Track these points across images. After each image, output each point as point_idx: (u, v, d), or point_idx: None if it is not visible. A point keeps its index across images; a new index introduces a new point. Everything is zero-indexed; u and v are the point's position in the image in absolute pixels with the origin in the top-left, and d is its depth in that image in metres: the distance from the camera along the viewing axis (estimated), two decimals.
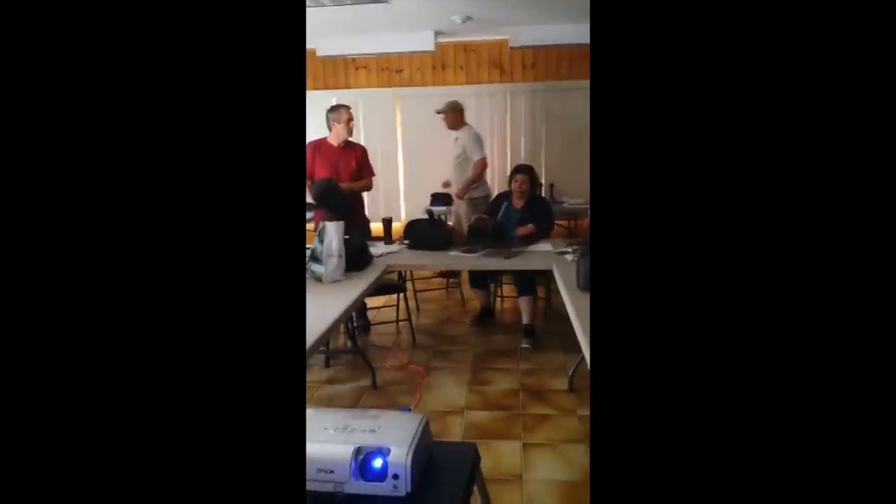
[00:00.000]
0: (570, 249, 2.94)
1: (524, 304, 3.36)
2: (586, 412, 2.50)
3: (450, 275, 4.60)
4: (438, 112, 4.24)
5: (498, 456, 2.21)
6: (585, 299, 2.07)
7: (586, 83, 4.89)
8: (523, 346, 3.28)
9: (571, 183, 4.98)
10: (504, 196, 3.58)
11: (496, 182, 5.01)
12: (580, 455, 2.19)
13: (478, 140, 4.17)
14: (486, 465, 2.13)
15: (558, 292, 2.39)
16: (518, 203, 3.50)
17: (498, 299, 4.10)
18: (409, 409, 1.26)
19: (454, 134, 4.26)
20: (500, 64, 5.19)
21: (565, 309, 2.17)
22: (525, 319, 3.36)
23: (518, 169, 3.55)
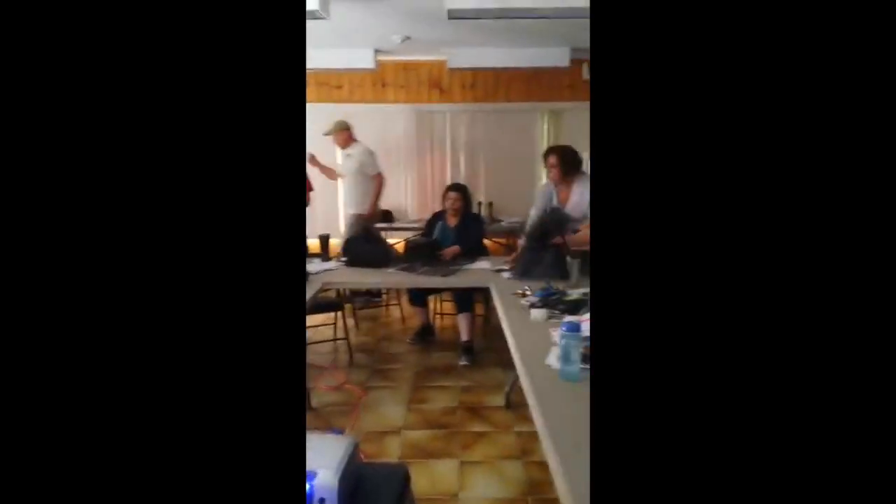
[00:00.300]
0: (507, 267, 2.98)
1: (462, 321, 3.37)
2: (522, 428, 2.53)
3: (372, 294, 4.57)
4: (326, 134, 4.32)
5: (435, 475, 2.18)
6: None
7: (525, 105, 5.03)
8: (462, 363, 3.29)
9: (510, 202, 5.08)
10: (439, 215, 3.63)
11: (436, 201, 5.05)
12: (517, 471, 2.21)
13: (372, 155, 4.29)
14: (423, 484, 2.10)
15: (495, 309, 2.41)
16: (452, 221, 3.55)
17: (437, 317, 4.10)
18: (341, 432, 1.23)
19: (346, 152, 4.35)
20: (439, 84, 5.25)
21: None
22: (463, 336, 3.38)
23: (451, 187, 3.62)
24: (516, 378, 2.73)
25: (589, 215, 3.13)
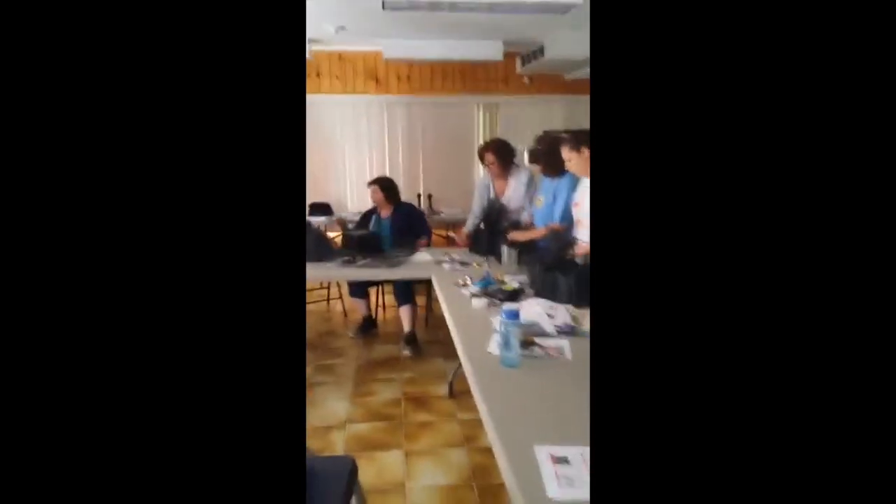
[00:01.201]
0: (447, 258, 3.02)
1: (404, 312, 3.39)
2: (466, 416, 2.58)
3: None
4: None
5: (381, 467, 2.20)
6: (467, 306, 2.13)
7: (461, 98, 5.07)
8: (405, 354, 3.31)
9: (449, 194, 5.12)
10: (372, 209, 3.67)
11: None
12: (461, 458, 2.26)
13: None
14: (369, 476, 2.12)
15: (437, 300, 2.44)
16: (384, 213, 3.61)
17: (380, 309, 4.10)
18: None
19: None
20: (375, 75, 5.21)
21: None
22: (406, 328, 3.40)
23: (371, 181, 3.67)
24: (459, 367, 2.78)
25: (525, 206, 3.22)
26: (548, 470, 1.05)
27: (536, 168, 3.07)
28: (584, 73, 4.69)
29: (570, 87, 5.10)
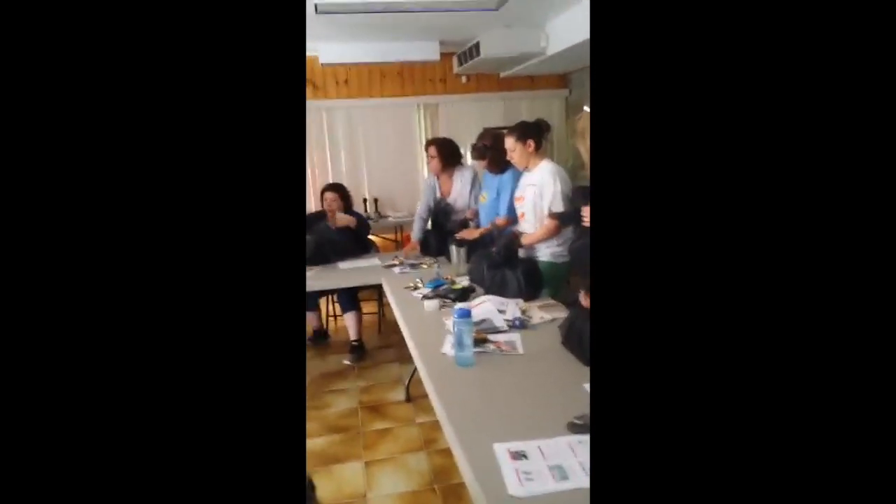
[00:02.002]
0: (396, 262, 2.99)
1: (349, 320, 3.32)
2: (424, 419, 2.56)
3: None
4: None
5: (340, 481, 2.15)
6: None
7: (400, 100, 5.04)
8: (346, 363, 3.25)
9: (395, 197, 5.08)
10: (319, 215, 3.52)
11: (315, 200, 4.93)
12: (421, 463, 2.23)
13: None
14: (328, 492, 2.06)
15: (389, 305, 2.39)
16: (335, 222, 3.48)
17: (332, 319, 4.02)
18: None
19: None
20: (312, 80, 5.11)
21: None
22: (352, 336, 3.33)
23: (327, 188, 3.54)
24: (415, 370, 2.76)
25: (470, 204, 3.23)
26: (507, 467, 1.04)
27: (480, 165, 3.07)
28: (519, 70, 4.75)
29: (506, 85, 5.16)
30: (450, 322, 1.78)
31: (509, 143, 2.50)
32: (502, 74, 5.08)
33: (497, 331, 1.81)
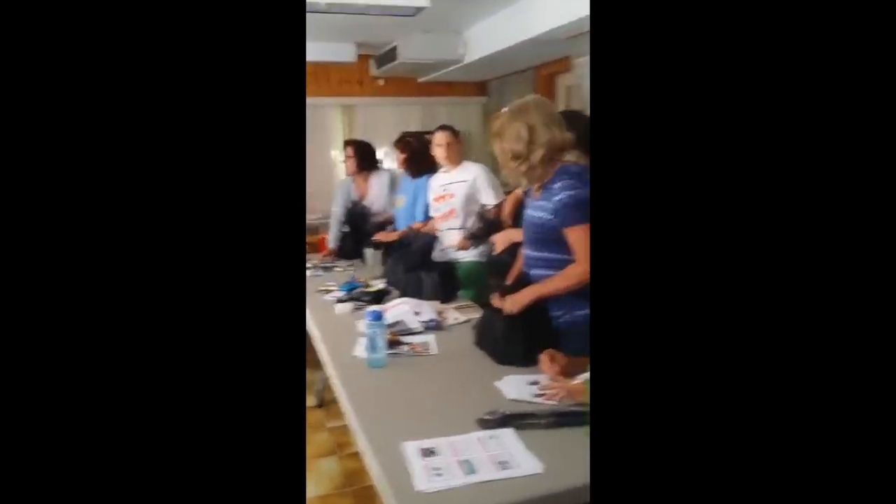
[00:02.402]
0: (310, 265, 2.92)
1: None
2: (335, 423, 2.52)
3: None
4: None
5: None
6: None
7: (316, 100, 4.95)
8: None
9: (310, 199, 4.97)
10: None
11: None
12: (332, 467, 2.20)
13: None
14: None
15: None
16: None
17: None
18: None
19: None
20: None
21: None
22: None
23: None
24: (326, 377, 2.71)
25: (386, 207, 3.22)
26: (416, 464, 1.04)
27: (400, 165, 3.08)
28: (437, 76, 4.81)
29: (424, 90, 5.20)
30: (362, 325, 1.77)
31: (445, 137, 2.55)
32: (420, 79, 5.12)
33: (411, 332, 1.82)
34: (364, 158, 3.25)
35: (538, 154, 1.56)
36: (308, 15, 3.37)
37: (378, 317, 1.52)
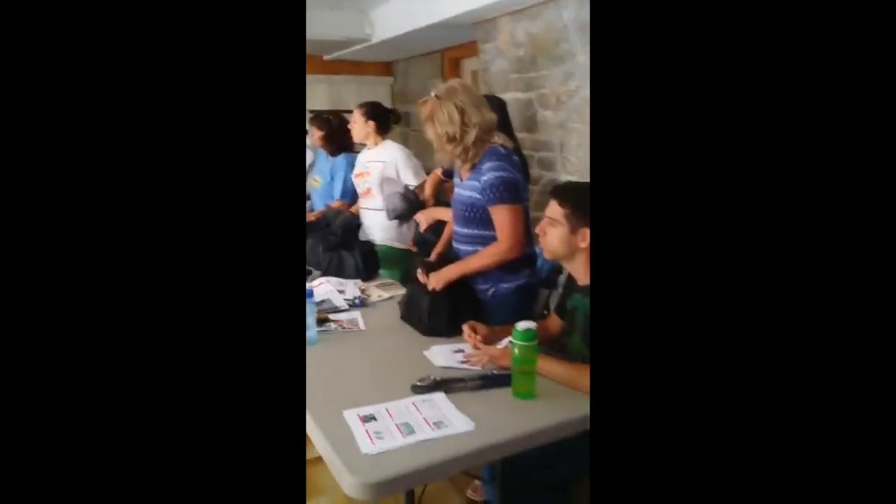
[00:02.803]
0: None
1: None
2: None
3: None
4: None
5: None
6: None
7: None
8: None
9: None
10: None
11: None
12: None
13: None
14: None
15: None
16: None
17: None
18: None
19: None
20: None
21: None
22: None
23: None
24: None
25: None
26: (359, 430, 1.12)
27: (317, 144, 3.05)
28: (343, 54, 4.75)
29: (330, 68, 5.11)
30: None
31: (356, 114, 2.56)
32: (326, 57, 5.03)
33: (337, 310, 1.87)
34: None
35: (471, 135, 1.65)
36: None
37: (309, 295, 1.56)
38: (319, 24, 4.03)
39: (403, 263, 2.58)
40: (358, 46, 4.37)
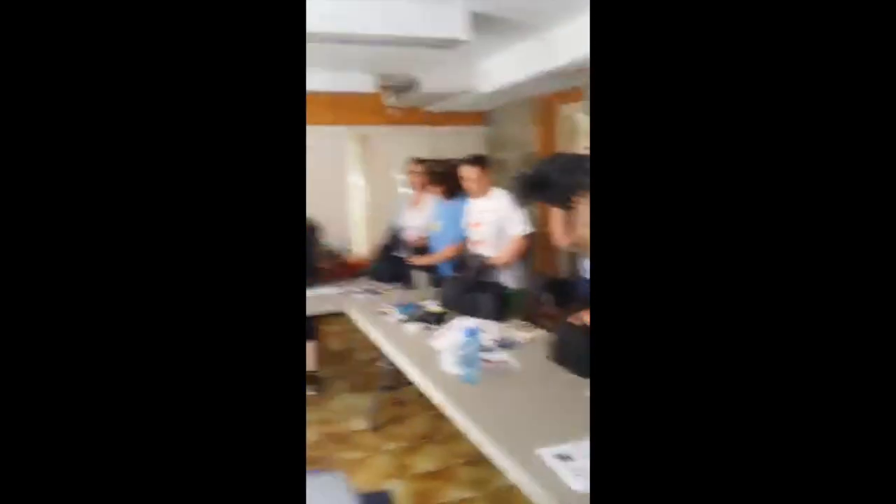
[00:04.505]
0: (356, 289, 2.99)
1: (307, 350, 3.25)
2: (392, 446, 2.55)
3: None
4: None
5: None
6: None
7: (339, 129, 5.06)
8: (311, 393, 3.17)
9: (327, 224, 5.04)
10: None
11: None
12: (400, 490, 2.23)
13: None
14: None
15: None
16: None
17: None
18: None
19: None
20: None
21: (344, 349, 2.20)
22: (311, 366, 3.25)
23: None
24: (378, 399, 2.75)
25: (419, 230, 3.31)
26: (561, 468, 1.13)
27: (435, 193, 3.18)
28: (445, 105, 4.94)
29: (430, 119, 5.33)
30: (436, 343, 1.86)
31: (473, 171, 2.65)
32: (429, 108, 5.25)
33: (486, 350, 1.90)
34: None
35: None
36: (326, 46, 3.46)
37: (474, 333, 1.60)
38: (438, 80, 4.23)
39: (523, 305, 2.60)
40: (465, 98, 4.53)
